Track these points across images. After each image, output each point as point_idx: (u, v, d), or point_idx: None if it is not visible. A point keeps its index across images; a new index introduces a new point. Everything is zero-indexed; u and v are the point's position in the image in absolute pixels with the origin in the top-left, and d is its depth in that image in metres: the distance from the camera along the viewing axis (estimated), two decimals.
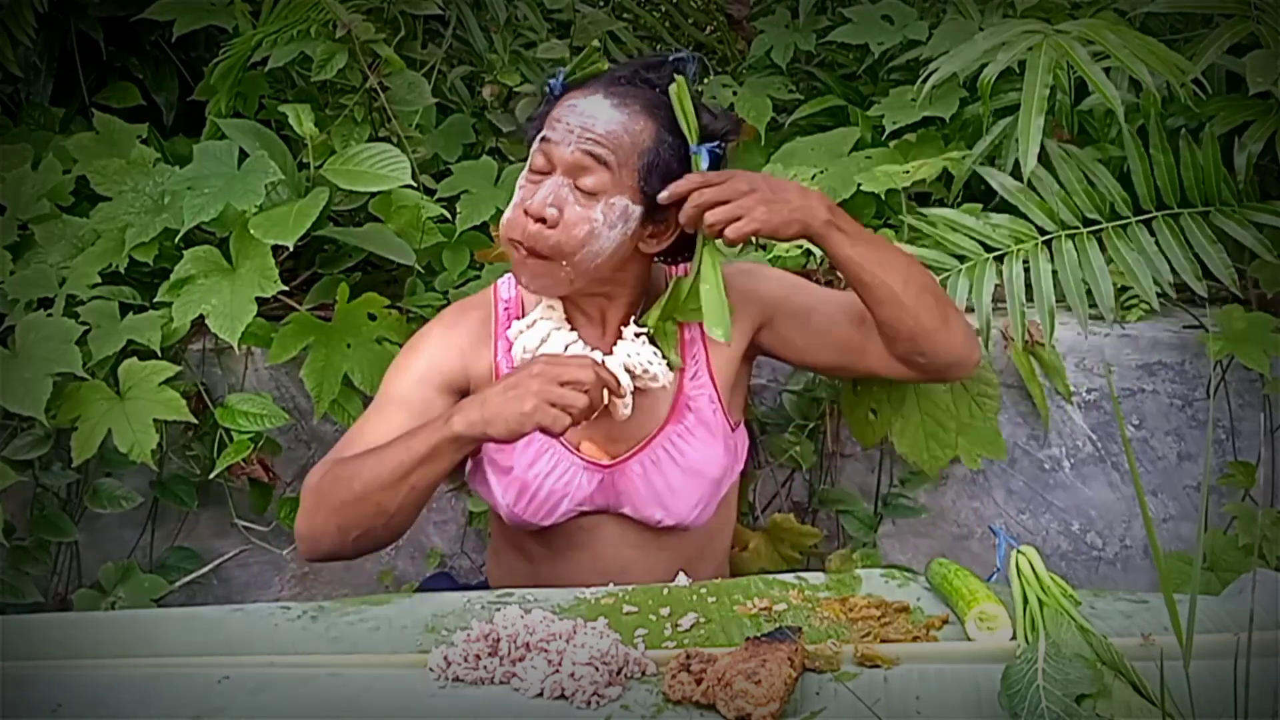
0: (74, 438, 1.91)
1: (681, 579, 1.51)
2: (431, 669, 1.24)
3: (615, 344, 1.63)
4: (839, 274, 1.71)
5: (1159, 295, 1.98)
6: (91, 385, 1.94)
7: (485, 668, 1.23)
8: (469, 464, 1.76)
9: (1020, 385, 1.99)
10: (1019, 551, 1.34)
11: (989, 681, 1.16)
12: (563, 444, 1.64)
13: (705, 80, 2.65)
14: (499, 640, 1.24)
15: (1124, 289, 2.02)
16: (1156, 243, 2.00)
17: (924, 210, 2.06)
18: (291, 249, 2.00)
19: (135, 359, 1.96)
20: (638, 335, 1.63)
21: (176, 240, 2.00)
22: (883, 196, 2.14)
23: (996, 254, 2.01)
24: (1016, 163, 1.98)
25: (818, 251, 1.85)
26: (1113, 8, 2.24)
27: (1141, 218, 2.03)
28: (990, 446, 1.98)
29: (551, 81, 1.64)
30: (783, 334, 1.71)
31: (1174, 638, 0.98)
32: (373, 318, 2.03)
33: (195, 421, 1.99)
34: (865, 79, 2.61)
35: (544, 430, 1.47)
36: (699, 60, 1.66)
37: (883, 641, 1.29)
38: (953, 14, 2.46)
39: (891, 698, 1.18)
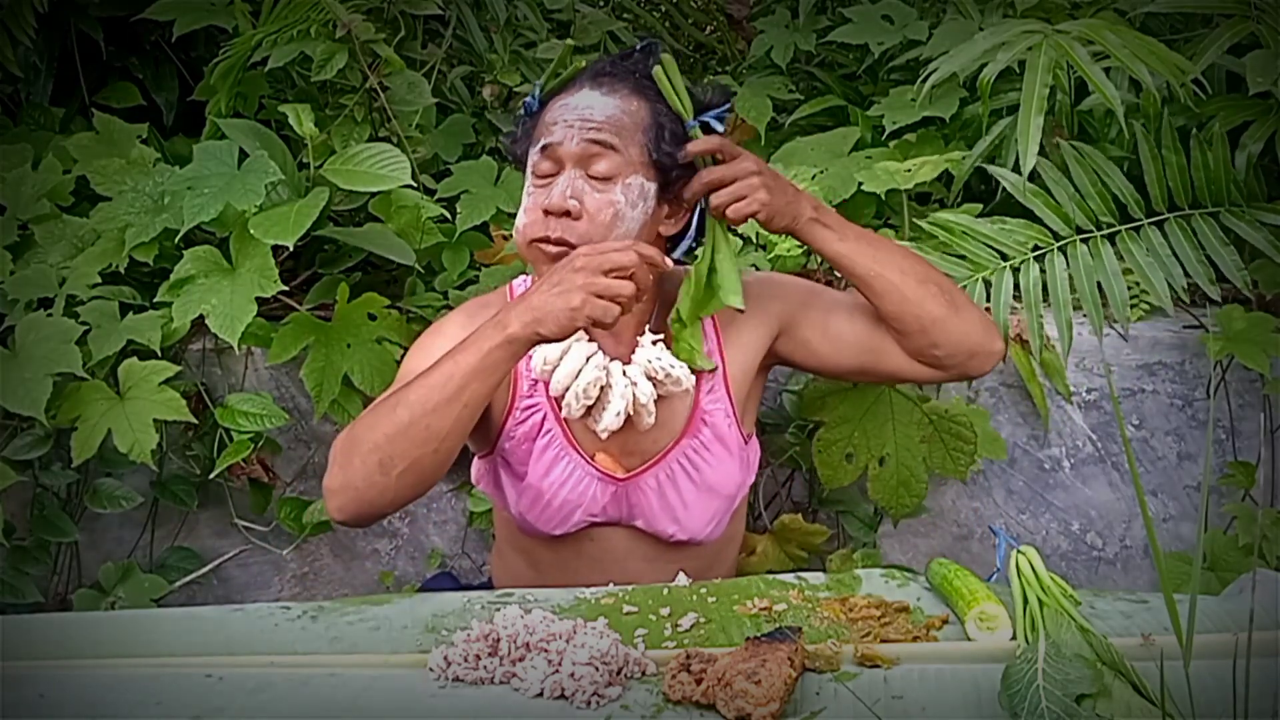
0: (74, 438, 1.91)
1: (681, 579, 1.51)
2: (431, 669, 1.24)
3: (634, 352, 1.62)
4: (837, 273, 1.71)
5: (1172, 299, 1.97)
6: (91, 385, 1.94)
7: (485, 668, 1.23)
8: (477, 466, 1.76)
9: (1020, 385, 1.99)
10: (1019, 551, 1.34)
11: (989, 681, 1.16)
12: (579, 454, 1.63)
13: (705, 80, 2.65)
14: (499, 640, 1.24)
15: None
16: (1169, 245, 2.00)
17: (936, 215, 2.05)
18: (291, 249, 2.00)
19: (135, 359, 1.96)
20: (655, 341, 1.61)
21: (176, 240, 2.01)
22: (883, 196, 2.15)
23: (1012, 262, 2.00)
24: (1017, 163, 1.98)
25: None
26: (1113, 8, 2.24)
27: (1154, 219, 2.03)
28: (990, 446, 1.98)
29: (528, 100, 1.65)
30: (802, 341, 1.69)
31: (1174, 638, 0.98)
32: (373, 318, 2.03)
33: (195, 421, 1.99)
34: (865, 79, 2.61)
35: (595, 323, 1.44)
36: (665, 45, 1.67)
37: (883, 641, 1.29)
38: (953, 14, 2.47)
39: (891, 698, 1.18)
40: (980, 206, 2.10)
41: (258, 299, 1.95)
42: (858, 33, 2.51)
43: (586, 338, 1.62)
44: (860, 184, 2.12)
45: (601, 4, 3.28)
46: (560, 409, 1.61)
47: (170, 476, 2.09)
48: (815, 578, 1.46)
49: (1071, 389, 1.99)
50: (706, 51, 3.34)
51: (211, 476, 2.02)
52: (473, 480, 1.79)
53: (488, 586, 1.81)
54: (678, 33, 3.32)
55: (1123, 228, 2.02)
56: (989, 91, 1.98)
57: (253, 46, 2.16)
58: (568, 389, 1.58)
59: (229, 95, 2.22)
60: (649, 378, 1.59)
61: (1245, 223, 2.00)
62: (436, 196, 2.24)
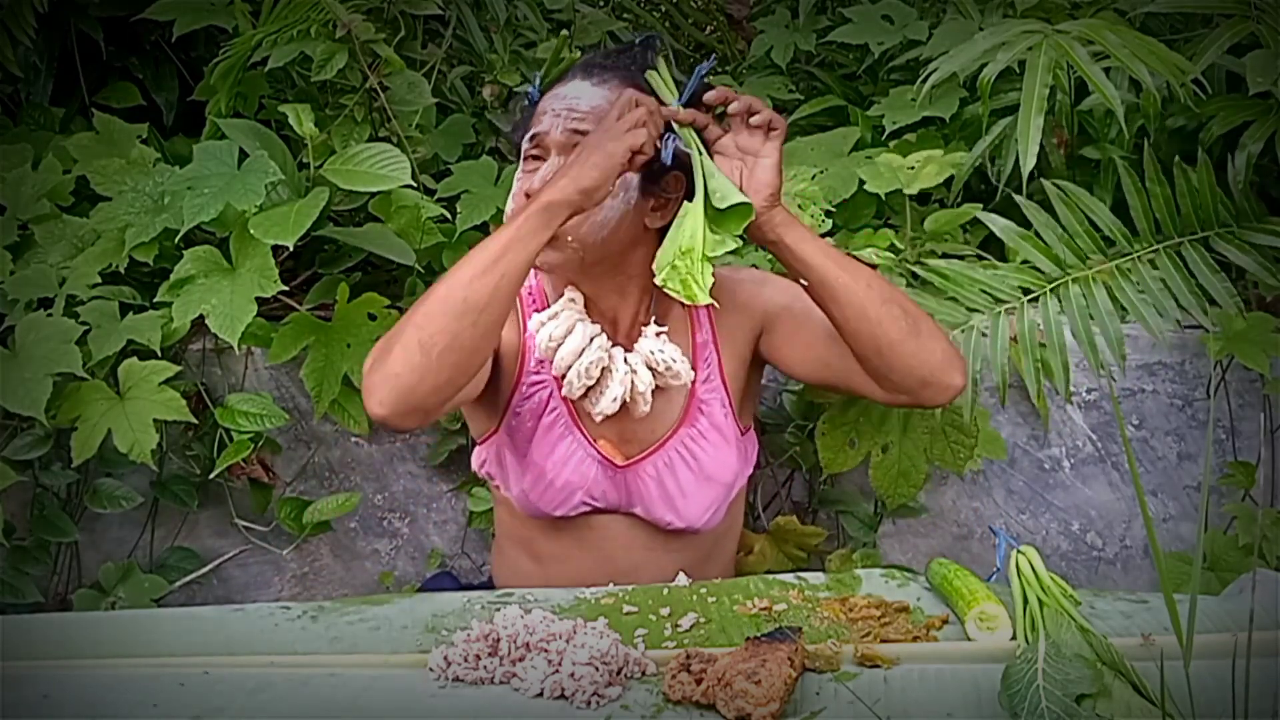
0: (74, 438, 1.91)
1: (681, 579, 1.51)
2: (431, 669, 1.24)
3: (635, 342, 1.64)
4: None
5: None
6: (91, 385, 1.94)
7: (485, 668, 1.23)
8: (478, 452, 1.77)
9: (1020, 385, 1.99)
10: (1019, 551, 1.34)
11: (989, 681, 1.16)
12: (582, 434, 1.66)
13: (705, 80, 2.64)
14: (499, 640, 1.25)
15: None
16: (1161, 279, 1.98)
17: (931, 263, 2.01)
18: (291, 249, 2.00)
19: (135, 359, 1.96)
20: (659, 334, 1.64)
21: (176, 240, 2.00)
22: (883, 197, 2.14)
23: (1007, 306, 1.97)
24: (1016, 166, 1.98)
25: None
26: (1113, 8, 2.23)
27: (1144, 252, 2.01)
28: (990, 446, 1.98)
29: (530, 91, 1.68)
30: (776, 343, 1.70)
31: (1174, 638, 0.98)
32: (373, 318, 2.03)
33: (195, 421, 1.99)
34: (865, 79, 2.61)
35: (635, 154, 1.48)
36: (662, 40, 1.67)
37: (883, 641, 1.29)
38: (953, 14, 2.46)
39: (891, 698, 1.18)
40: (980, 206, 2.10)
41: (258, 299, 1.94)
42: (858, 33, 2.50)
43: (590, 319, 1.63)
44: (862, 183, 2.12)
45: (601, 4, 3.28)
46: (563, 388, 1.63)
47: (170, 476, 2.08)
48: (815, 578, 1.46)
49: (1071, 389, 1.99)
50: (706, 51, 3.33)
51: (211, 476, 2.02)
52: (474, 467, 1.80)
53: (488, 586, 1.82)
54: (678, 33, 3.32)
55: (1113, 263, 2.00)
56: (989, 91, 1.98)
57: (253, 46, 2.16)
58: (570, 367, 1.60)
59: (229, 95, 2.22)
60: (649, 368, 1.62)
61: (1234, 246, 2.00)
62: (436, 196, 2.23)
